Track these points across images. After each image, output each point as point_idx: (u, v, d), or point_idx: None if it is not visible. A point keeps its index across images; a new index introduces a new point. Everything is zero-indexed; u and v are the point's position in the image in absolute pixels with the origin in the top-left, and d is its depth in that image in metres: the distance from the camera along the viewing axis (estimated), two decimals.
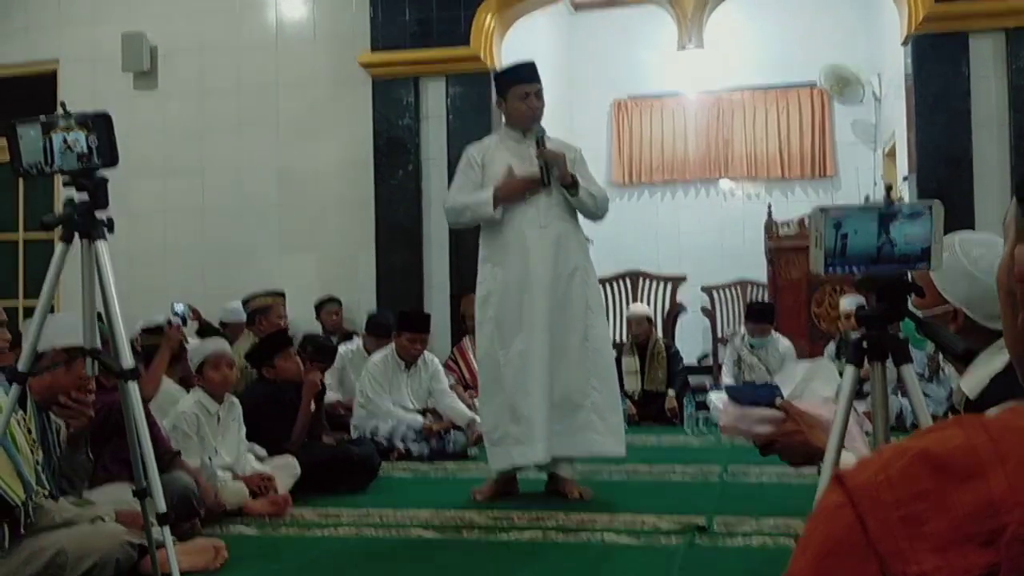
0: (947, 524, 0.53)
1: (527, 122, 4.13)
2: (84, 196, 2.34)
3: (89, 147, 2.32)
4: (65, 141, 2.32)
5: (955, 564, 0.52)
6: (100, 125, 2.33)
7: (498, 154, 4.13)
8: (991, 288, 1.86)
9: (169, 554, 2.18)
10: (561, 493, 4.10)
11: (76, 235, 2.33)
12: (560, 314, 4.04)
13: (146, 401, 3.46)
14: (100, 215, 2.37)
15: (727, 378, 6.67)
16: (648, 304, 7.92)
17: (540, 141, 4.03)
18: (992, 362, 1.90)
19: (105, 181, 2.37)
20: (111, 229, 2.37)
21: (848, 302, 6.09)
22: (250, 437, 4.33)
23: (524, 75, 4.17)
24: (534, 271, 4.01)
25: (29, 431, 2.72)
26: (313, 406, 4.60)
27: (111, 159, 2.33)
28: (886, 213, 1.78)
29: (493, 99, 7.02)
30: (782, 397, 1.92)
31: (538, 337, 3.99)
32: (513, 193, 4.01)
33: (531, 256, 4.01)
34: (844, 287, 6.96)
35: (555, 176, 4.01)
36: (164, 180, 7.58)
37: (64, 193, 2.48)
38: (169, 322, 4.56)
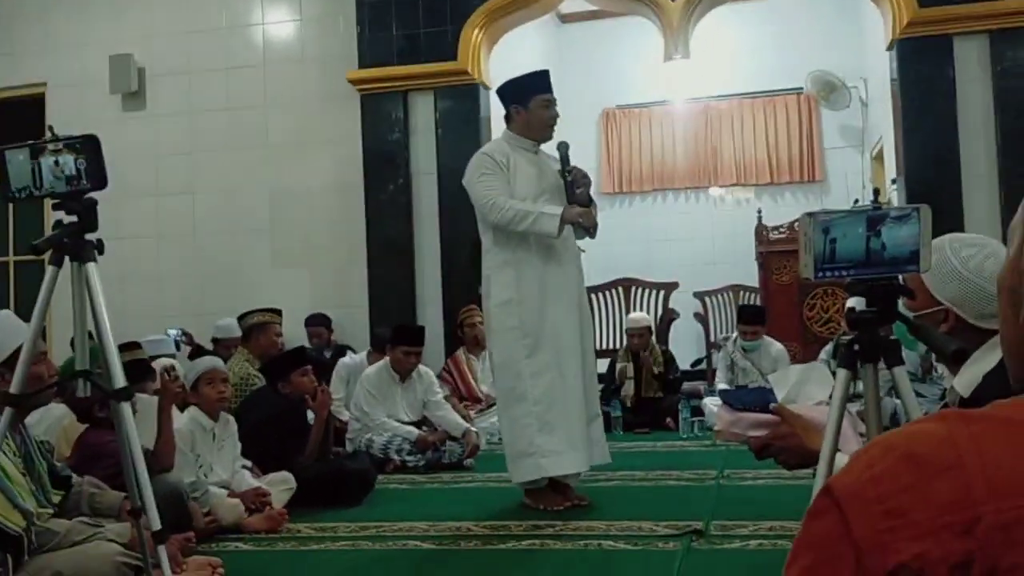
0: (927, 514, 0.54)
1: (546, 131, 4.20)
2: (74, 219, 2.35)
3: (78, 170, 2.33)
4: (55, 164, 2.32)
5: (933, 552, 0.53)
6: (88, 148, 2.34)
7: (518, 161, 4.12)
8: (981, 288, 1.89)
9: (165, 573, 2.17)
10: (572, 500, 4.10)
11: (66, 258, 2.33)
12: (582, 323, 4.13)
13: (166, 471, 3.47)
14: (90, 237, 2.37)
15: (721, 383, 6.67)
16: (641, 311, 7.93)
17: (566, 157, 4.09)
18: (985, 360, 1.92)
19: (95, 203, 2.38)
20: (101, 251, 2.38)
21: (856, 301, 6.09)
22: (261, 451, 4.34)
23: (545, 84, 4.21)
24: (554, 280, 4.05)
25: (16, 453, 2.71)
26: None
27: (100, 182, 2.34)
28: (874, 217, 1.79)
29: (482, 111, 7.11)
30: (776, 401, 1.93)
31: (569, 347, 4.03)
32: (573, 218, 4.00)
33: (551, 265, 4.06)
34: (836, 291, 6.98)
35: (579, 194, 4.05)
36: (155, 201, 7.58)
37: (54, 216, 2.48)
38: (166, 372, 4.50)
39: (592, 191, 4.31)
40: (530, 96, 4.16)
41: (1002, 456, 0.55)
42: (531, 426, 3.94)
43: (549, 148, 4.28)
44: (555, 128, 4.24)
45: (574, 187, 4.05)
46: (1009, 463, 0.54)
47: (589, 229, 4.09)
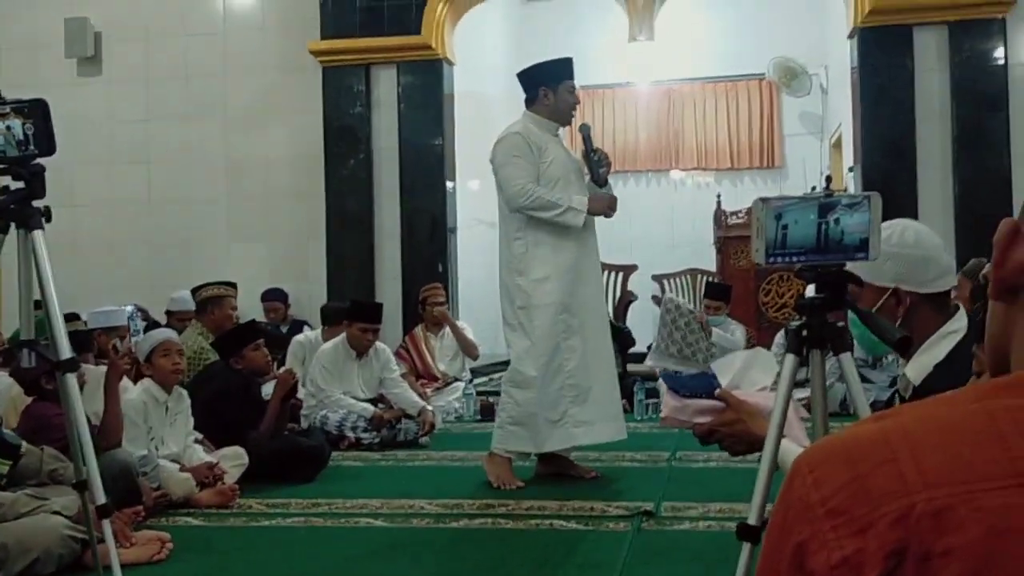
0: (866, 507, 0.55)
1: (570, 116, 4.34)
2: (20, 185, 2.30)
3: (25, 135, 2.27)
4: (7, 129, 2.27)
5: (871, 545, 0.54)
6: (37, 112, 2.28)
7: (549, 144, 4.21)
8: (912, 256, 1.93)
9: (110, 547, 2.15)
10: (573, 476, 4.21)
11: (12, 224, 2.28)
12: (604, 302, 4.41)
13: (113, 447, 3.42)
14: (37, 204, 2.32)
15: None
16: None
17: (590, 138, 4.24)
18: (936, 348, 1.95)
19: (42, 170, 2.33)
20: (48, 219, 2.33)
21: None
22: (214, 425, 4.31)
23: (572, 71, 4.32)
24: (584, 257, 4.21)
25: None
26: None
27: (48, 147, 2.29)
28: (825, 204, 1.81)
29: (445, 87, 7.06)
30: (720, 386, 1.94)
31: (598, 321, 4.26)
32: (599, 211, 4.18)
33: (582, 245, 4.20)
34: (792, 277, 7.06)
35: (602, 174, 4.23)
36: (109, 169, 7.45)
37: (1, 181, 2.42)
38: (114, 347, 4.44)
39: None
40: (560, 80, 4.26)
41: (934, 447, 0.56)
42: (566, 397, 4.08)
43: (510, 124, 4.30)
44: None
45: (599, 168, 4.23)
46: (941, 453, 0.56)
47: (601, 184, 4.28)
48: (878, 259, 1.77)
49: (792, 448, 1.80)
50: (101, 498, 2.17)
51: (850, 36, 6.87)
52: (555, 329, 4.09)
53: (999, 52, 6.46)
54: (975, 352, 1.82)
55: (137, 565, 2.92)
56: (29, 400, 3.62)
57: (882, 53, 6.60)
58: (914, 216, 6.30)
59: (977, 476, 0.54)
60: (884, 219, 1.80)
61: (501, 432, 4.15)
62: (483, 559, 3.12)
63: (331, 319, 6.05)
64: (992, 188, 6.27)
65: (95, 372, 4.09)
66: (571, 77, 4.30)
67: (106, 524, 2.19)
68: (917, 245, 1.95)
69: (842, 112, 8.23)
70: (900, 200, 6.14)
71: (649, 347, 9.02)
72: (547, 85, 4.25)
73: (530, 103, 4.31)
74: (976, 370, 1.79)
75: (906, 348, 1.89)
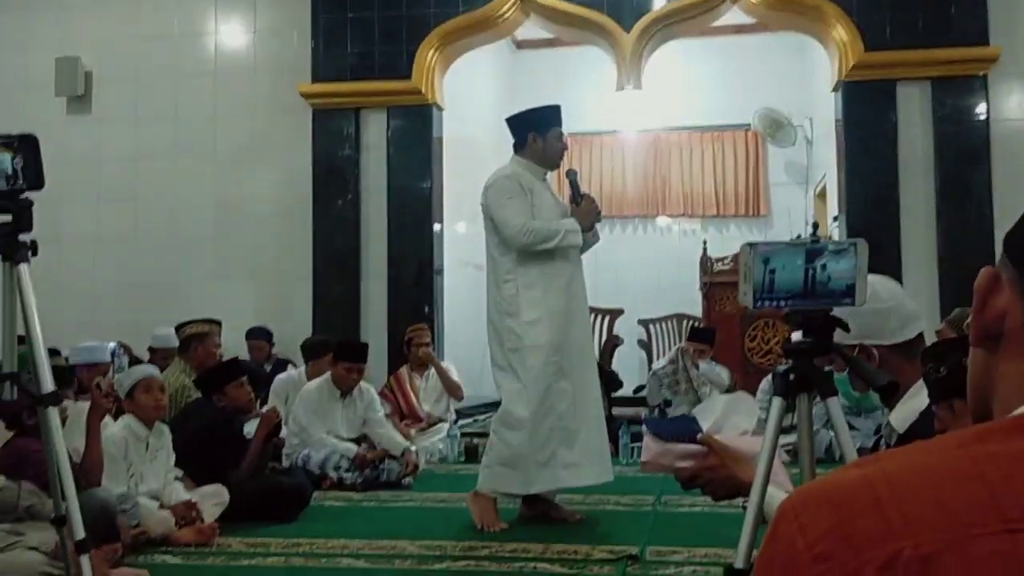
0: (852, 552, 0.55)
1: (557, 162, 4.40)
2: (8, 218, 2.29)
3: (14, 169, 2.28)
4: None
5: None
6: (26, 147, 2.29)
7: (537, 188, 4.27)
8: (868, 311, 1.92)
9: None
10: (557, 519, 4.19)
11: None
12: (592, 344, 4.41)
13: (93, 485, 3.40)
14: (24, 238, 2.32)
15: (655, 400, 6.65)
16: None
17: (577, 184, 4.32)
18: (920, 396, 1.95)
19: (30, 204, 2.33)
20: (35, 252, 2.33)
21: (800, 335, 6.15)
22: (195, 463, 4.27)
23: (560, 118, 4.39)
24: (574, 298, 4.24)
25: None
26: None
27: (37, 182, 2.29)
28: (812, 249, 1.82)
29: (434, 131, 7.11)
30: (702, 431, 1.94)
31: (587, 362, 4.30)
32: (589, 222, 4.24)
33: (572, 287, 4.23)
34: (777, 323, 7.09)
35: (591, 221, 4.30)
36: (96, 207, 7.44)
37: None
38: (98, 385, 4.38)
39: None
40: (549, 127, 4.32)
41: (918, 492, 0.56)
42: (555, 439, 4.07)
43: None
44: None
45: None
46: (925, 498, 0.56)
47: (588, 229, 4.31)
48: (844, 316, 1.77)
49: (777, 494, 1.80)
50: (80, 533, 2.14)
51: (834, 89, 6.98)
52: (547, 371, 4.09)
53: (981, 108, 6.57)
54: (936, 413, 1.82)
55: None
56: (10, 435, 3.58)
57: (866, 106, 6.70)
58: (897, 266, 6.36)
59: (963, 522, 0.54)
60: (868, 270, 1.82)
61: (489, 472, 4.12)
62: None
63: (312, 352, 6.03)
64: (975, 239, 6.33)
65: (76, 408, 4.05)
66: (559, 124, 4.35)
67: (84, 560, 2.16)
68: (873, 298, 1.92)
69: (827, 163, 8.33)
70: (884, 250, 6.19)
71: (635, 391, 8.97)
72: (536, 131, 4.30)
73: (519, 148, 4.36)
74: (938, 428, 1.79)
75: (893, 392, 1.90)
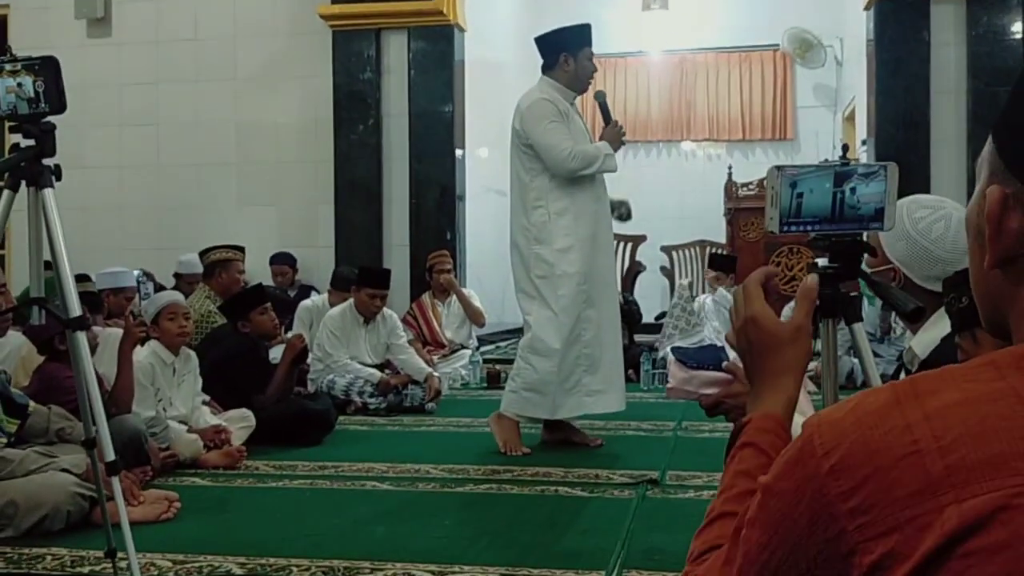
0: (891, 508, 0.53)
1: (588, 84, 4.28)
2: (31, 143, 2.28)
3: (36, 92, 2.26)
4: (18, 86, 2.25)
5: (899, 548, 0.53)
6: (47, 70, 2.26)
7: (570, 111, 4.21)
8: (926, 249, 1.90)
9: (119, 505, 2.16)
10: (578, 444, 4.23)
11: (23, 182, 2.27)
12: (615, 272, 4.49)
13: (123, 412, 3.44)
14: (48, 162, 2.31)
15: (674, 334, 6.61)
16: None
17: (605, 105, 4.28)
18: (942, 322, 1.94)
19: (53, 128, 2.31)
20: (59, 177, 2.31)
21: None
22: (221, 388, 4.33)
23: (590, 38, 4.29)
24: (601, 227, 4.23)
25: None
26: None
27: (59, 105, 2.27)
28: (841, 173, 1.78)
29: (456, 54, 7.01)
30: (728, 359, 1.94)
31: (610, 292, 4.31)
32: (616, 144, 4.19)
33: (599, 214, 4.21)
34: (802, 249, 7.03)
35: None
36: (118, 131, 7.43)
37: (12, 139, 2.41)
38: (131, 314, 4.41)
39: None
40: (580, 47, 4.21)
41: (960, 438, 0.54)
42: (581, 366, 4.10)
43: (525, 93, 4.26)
44: None
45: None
46: (968, 445, 0.54)
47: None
48: (898, 233, 1.76)
49: (799, 421, 1.80)
50: (110, 455, 2.18)
51: (866, 8, 6.79)
52: (577, 300, 4.09)
53: (1016, 27, 6.38)
54: (958, 343, 1.80)
55: (145, 523, 2.93)
56: (40, 360, 3.64)
57: (899, 26, 6.52)
58: (926, 190, 6.26)
59: (1009, 471, 0.52)
60: (899, 194, 1.79)
61: (515, 396, 4.14)
62: (488, 524, 3.14)
63: (339, 285, 6.06)
64: None
65: (107, 335, 4.10)
66: (590, 44, 4.25)
67: (115, 481, 2.20)
68: (939, 242, 1.92)
69: (856, 85, 8.15)
70: (913, 174, 6.10)
71: (657, 317, 8.94)
72: (567, 51, 4.18)
73: (548, 69, 4.24)
74: (961, 358, 1.78)
75: (918, 318, 1.88)
